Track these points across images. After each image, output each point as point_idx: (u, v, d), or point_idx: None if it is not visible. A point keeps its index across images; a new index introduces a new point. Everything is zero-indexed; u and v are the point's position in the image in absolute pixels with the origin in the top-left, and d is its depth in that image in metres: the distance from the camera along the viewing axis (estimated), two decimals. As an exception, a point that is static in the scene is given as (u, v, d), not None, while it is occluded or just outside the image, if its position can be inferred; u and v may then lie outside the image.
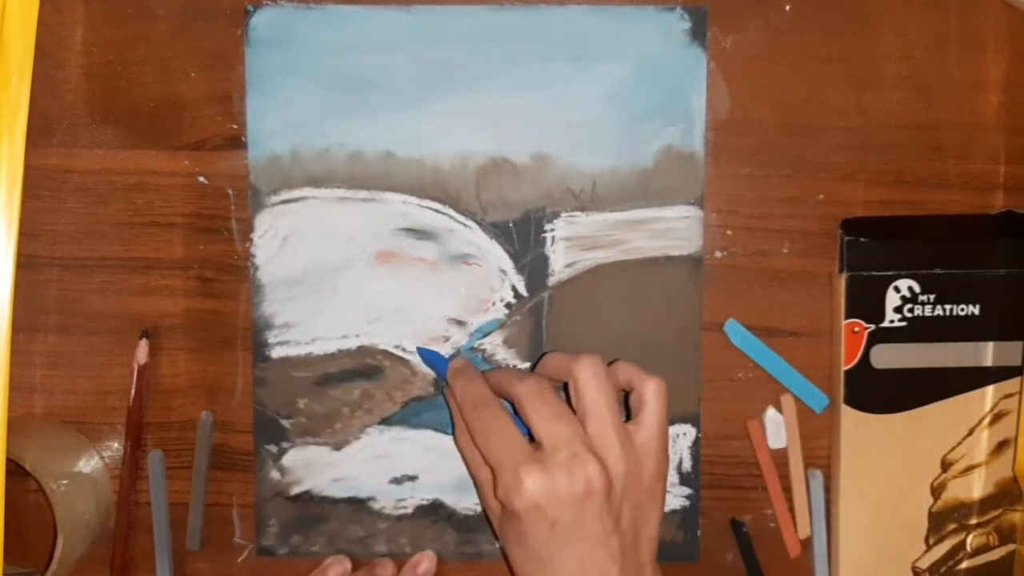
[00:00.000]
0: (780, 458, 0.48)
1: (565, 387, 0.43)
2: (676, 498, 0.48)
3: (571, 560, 0.40)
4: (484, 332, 0.48)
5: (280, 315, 0.48)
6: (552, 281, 0.48)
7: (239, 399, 0.49)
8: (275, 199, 0.48)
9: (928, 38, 0.47)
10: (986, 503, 0.47)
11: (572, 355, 0.42)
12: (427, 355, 0.48)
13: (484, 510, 0.45)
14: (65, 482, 0.46)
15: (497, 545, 0.49)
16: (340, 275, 0.48)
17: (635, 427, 0.42)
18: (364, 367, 0.48)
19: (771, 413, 0.48)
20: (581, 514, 0.40)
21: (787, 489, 0.48)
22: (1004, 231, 0.47)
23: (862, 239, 0.46)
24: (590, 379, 0.41)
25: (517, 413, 0.42)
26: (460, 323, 0.48)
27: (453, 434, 0.47)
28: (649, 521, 0.42)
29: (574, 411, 0.42)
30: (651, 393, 0.42)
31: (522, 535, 0.41)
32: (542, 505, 0.40)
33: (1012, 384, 0.47)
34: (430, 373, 0.48)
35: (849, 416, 0.47)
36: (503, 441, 0.41)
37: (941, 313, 0.46)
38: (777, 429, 0.48)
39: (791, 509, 0.48)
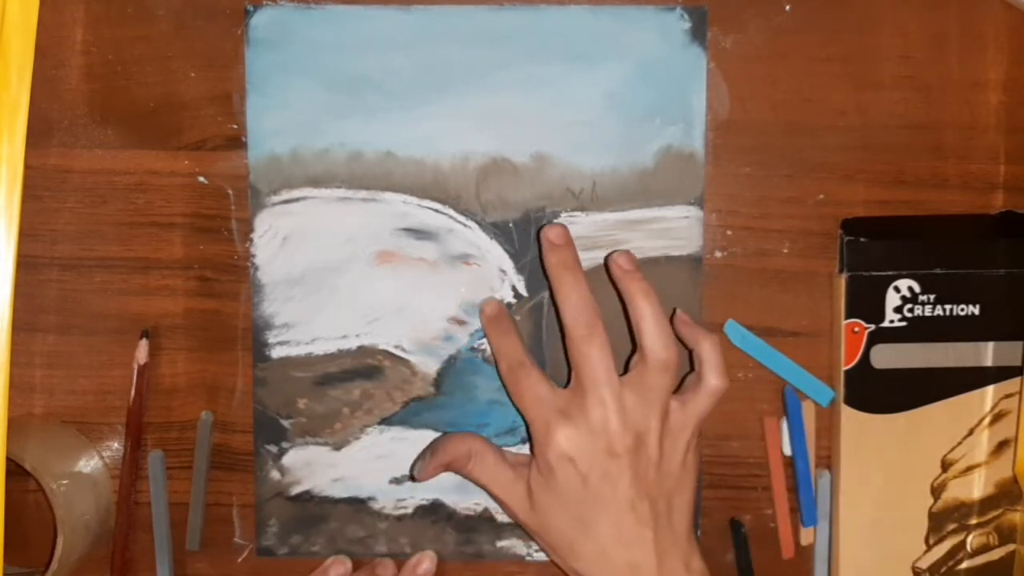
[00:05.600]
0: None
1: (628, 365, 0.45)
2: (676, 498, 0.48)
3: (607, 522, 0.42)
4: (484, 332, 0.48)
5: (280, 315, 0.48)
6: (552, 281, 0.48)
7: (239, 399, 0.49)
8: (275, 199, 0.48)
9: (928, 38, 0.47)
10: (986, 503, 0.47)
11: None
12: None
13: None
14: (65, 482, 0.46)
15: (500, 543, 0.49)
16: (340, 275, 0.48)
17: (681, 403, 0.43)
18: (364, 367, 0.48)
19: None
20: (609, 472, 0.42)
21: (791, 490, 0.48)
22: (1004, 231, 0.47)
23: (862, 239, 0.46)
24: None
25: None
26: (460, 323, 0.48)
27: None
28: (683, 490, 0.43)
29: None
30: (708, 361, 0.44)
31: (558, 493, 0.42)
32: (573, 457, 0.42)
33: (1012, 384, 0.47)
34: (430, 373, 0.48)
35: (849, 416, 0.47)
36: (534, 398, 0.44)
37: (941, 313, 0.46)
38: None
39: (791, 511, 0.48)
